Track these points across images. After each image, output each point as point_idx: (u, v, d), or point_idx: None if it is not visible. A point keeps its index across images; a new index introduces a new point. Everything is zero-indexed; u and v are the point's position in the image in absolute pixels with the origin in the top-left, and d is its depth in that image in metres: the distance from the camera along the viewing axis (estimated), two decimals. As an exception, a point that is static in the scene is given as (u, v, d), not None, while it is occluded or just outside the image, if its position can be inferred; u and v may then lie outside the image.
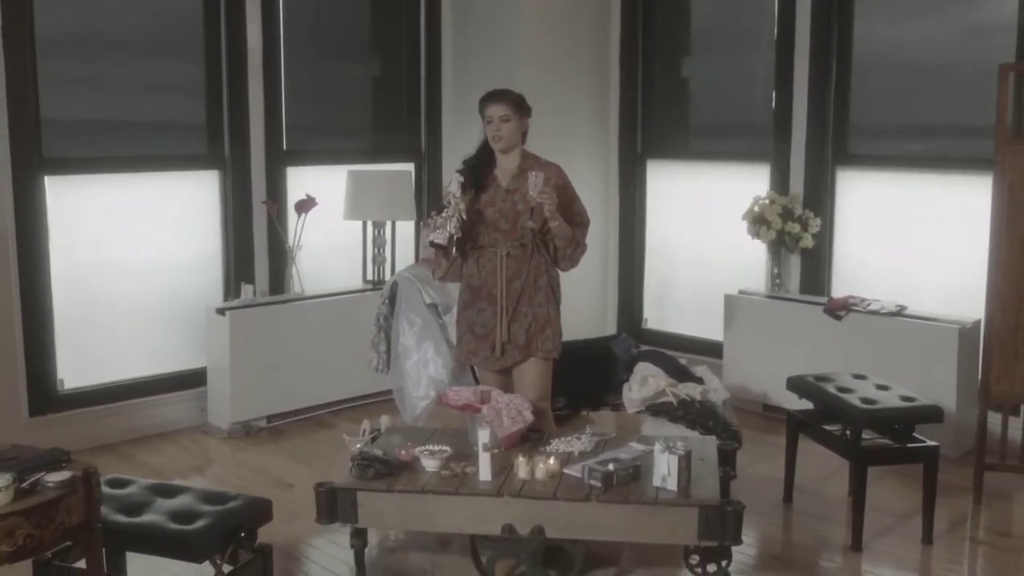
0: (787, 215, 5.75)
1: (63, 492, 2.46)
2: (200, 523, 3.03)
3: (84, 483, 2.53)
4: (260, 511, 3.19)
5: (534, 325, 4.17)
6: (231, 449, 5.30)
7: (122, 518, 3.05)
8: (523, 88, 4.28)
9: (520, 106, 4.15)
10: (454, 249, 4.09)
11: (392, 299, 4.98)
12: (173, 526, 3.03)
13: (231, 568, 3.09)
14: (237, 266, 5.80)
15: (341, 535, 3.97)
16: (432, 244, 4.09)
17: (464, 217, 4.02)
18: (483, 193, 4.16)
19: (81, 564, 3.00)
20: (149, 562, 3.24)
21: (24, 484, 2.46)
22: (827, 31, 5.75)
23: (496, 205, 4.14)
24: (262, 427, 5.59)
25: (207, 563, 3.13)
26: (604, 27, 6.70)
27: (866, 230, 5.77)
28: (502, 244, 4.14)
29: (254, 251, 5.85)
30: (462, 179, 4.11)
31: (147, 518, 3.09)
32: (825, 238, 5.84)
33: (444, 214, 4.02)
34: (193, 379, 5.63)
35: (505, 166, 4.20)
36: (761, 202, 5.82)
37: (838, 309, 5.44)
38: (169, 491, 3.29)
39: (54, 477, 2.50)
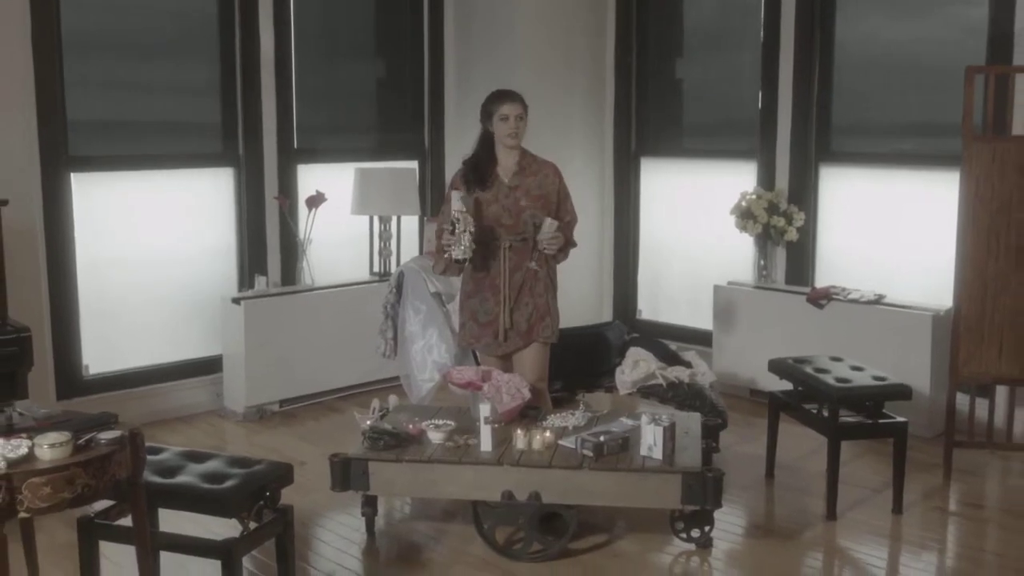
0: (773, 210, 5.94)
1: (114, 448, 2.76)
2: (229, 483, 3.29)
3: (132, 442, 2.84)
4: (282, 474, 3.46)
5: (535, 314, 4.37)
6: (246, 431, 5.53)
7: (158, 479, 3.32)
8: (522, 88, 4.48)
9: (526, 105, 4.34)
10: (468, 260, 4.26)
11: (399, 288, 5.16)
12: (205, 485, 3.28)
13: (256, 525, 3.35)
14: (251, 258, 5.99)
15: (352, 506, 4.23)
16: (455, 260, 4.26)
17: (473, 230, 4.18)
18: (486, 190, 4.32)
19: (121, 522, 3.30)
20: (181, 518, 3.52)
21: (80, 441, 2.76)
22: (810, 33, 5.93)
23: (499, 202, 4.31)
24: (275, 411, 5.80)
25: (233, 520, 3.38)
26: (600, 29, 6.84)
27: (847, 224, 5.96)
28: (505, 237, 4.32)
29: (267, 244, 6.04)
30: (463, 194, 4.24)
31: (180, 479, 3.35)
32: (809, 231, 6.03)
33: (457, 231, 4.15)
34: (210, 366, 5.83)
35: (506, 163, 4.36)
36: (748, 197, 6.01)
37: (820, 298, 5.66)
38: (199, 457, 3.54)
39: (106, 435, 2.80)
